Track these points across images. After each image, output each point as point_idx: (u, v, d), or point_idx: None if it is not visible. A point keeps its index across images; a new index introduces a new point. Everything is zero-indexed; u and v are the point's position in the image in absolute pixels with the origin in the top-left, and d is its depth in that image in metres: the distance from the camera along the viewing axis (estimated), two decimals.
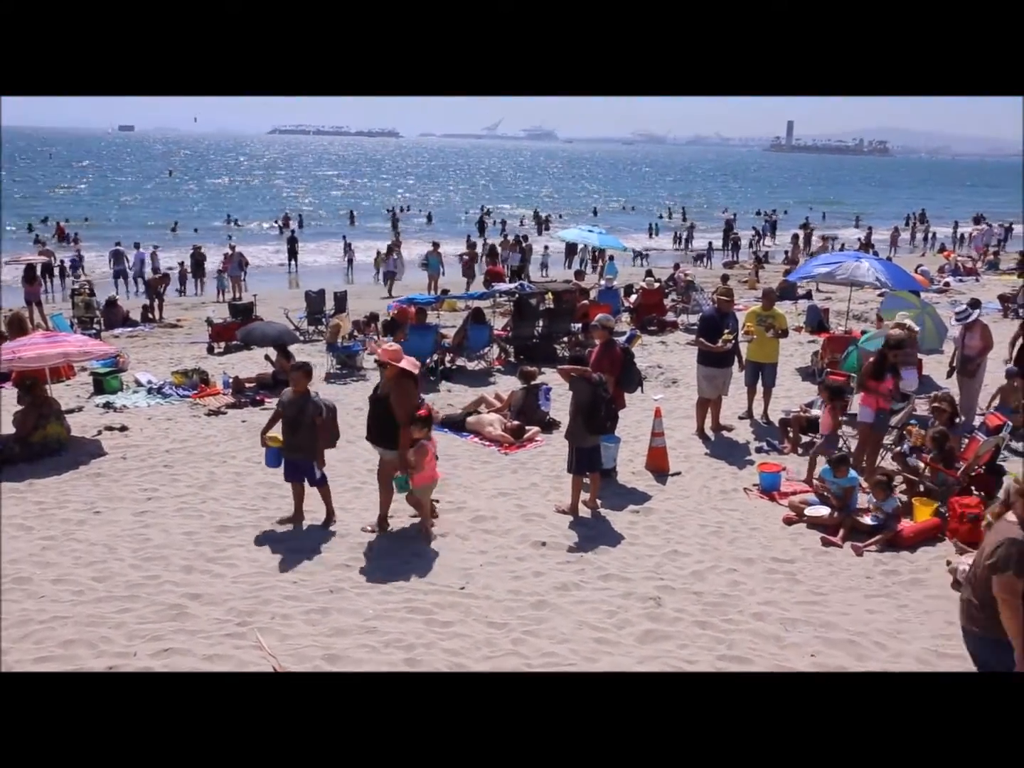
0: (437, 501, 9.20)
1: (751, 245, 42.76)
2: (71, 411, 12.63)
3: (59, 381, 14.44)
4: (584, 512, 9.23)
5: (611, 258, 28.89)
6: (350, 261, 36.00)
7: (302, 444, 8.71)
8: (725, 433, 11.90)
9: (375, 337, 17.20)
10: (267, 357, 15.24)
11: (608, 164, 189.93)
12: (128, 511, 9.23)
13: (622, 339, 12.86)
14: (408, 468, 8.29)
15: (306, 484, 8.89)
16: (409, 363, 8.53)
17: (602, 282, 22.75)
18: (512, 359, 16.34)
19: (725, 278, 22.02)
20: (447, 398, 13.86)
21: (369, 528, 8.74)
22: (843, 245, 39.38)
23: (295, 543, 8.45)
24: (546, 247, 35.82)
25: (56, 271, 29.11)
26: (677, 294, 22.95)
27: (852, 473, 9.19)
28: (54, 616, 7.04)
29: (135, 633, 6.78)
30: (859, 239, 42.68)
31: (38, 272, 24.80)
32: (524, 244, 33.52)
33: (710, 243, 40.97)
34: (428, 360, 15.25)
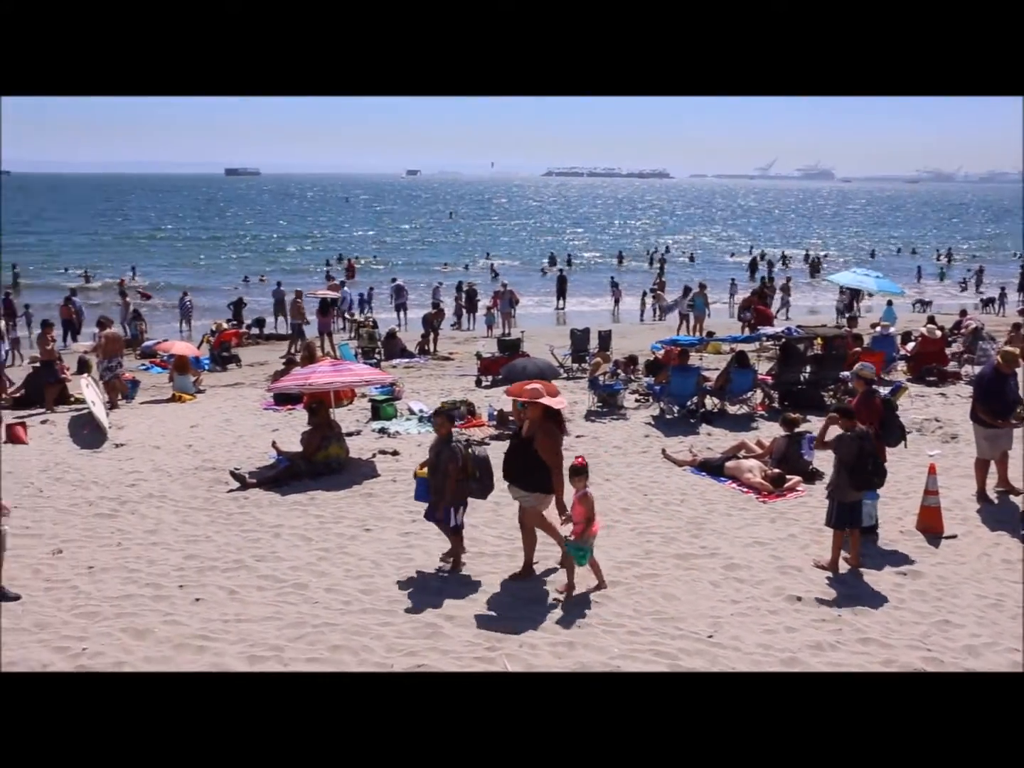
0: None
1: None
2: (351, 434, 13.60)
3: (342, 405, 15.63)
4: (844, 569, 8.76)
5: (889, 303, 27.42)
6: (616, 300, 36.47)
7: (437, 487, 8.68)
8: (1013, 497, 10.86)
9: (634, 377, 17.28)
10: None
11: (889, 204, 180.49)
12: (395, 531, 9.81)
13: (887, 390, 12.13)
14: (564, 514, 8.16)
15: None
16: (553, 399, 8.35)
17: (877, 328, 21.60)
18: (776, 405, 15.85)
19: (1017, 326, 20.20)
20: (706, 441, 13.66)
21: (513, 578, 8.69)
22: None
23: (550, 575, 8.63)
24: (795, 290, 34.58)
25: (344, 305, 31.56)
26: (962, 343, 21.36)
27: None
28: (325, 622, 7.61)
29: (393, 646, 7.18)
30: None
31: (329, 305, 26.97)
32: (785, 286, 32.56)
33: (1003, 288, 37.73)
34: (689, 402, 15.13)
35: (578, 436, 13.93)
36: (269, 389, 15.56)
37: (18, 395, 17.12)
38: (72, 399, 16.68)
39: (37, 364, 17.73)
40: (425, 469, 8.96)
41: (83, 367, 16.90)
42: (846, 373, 16.84)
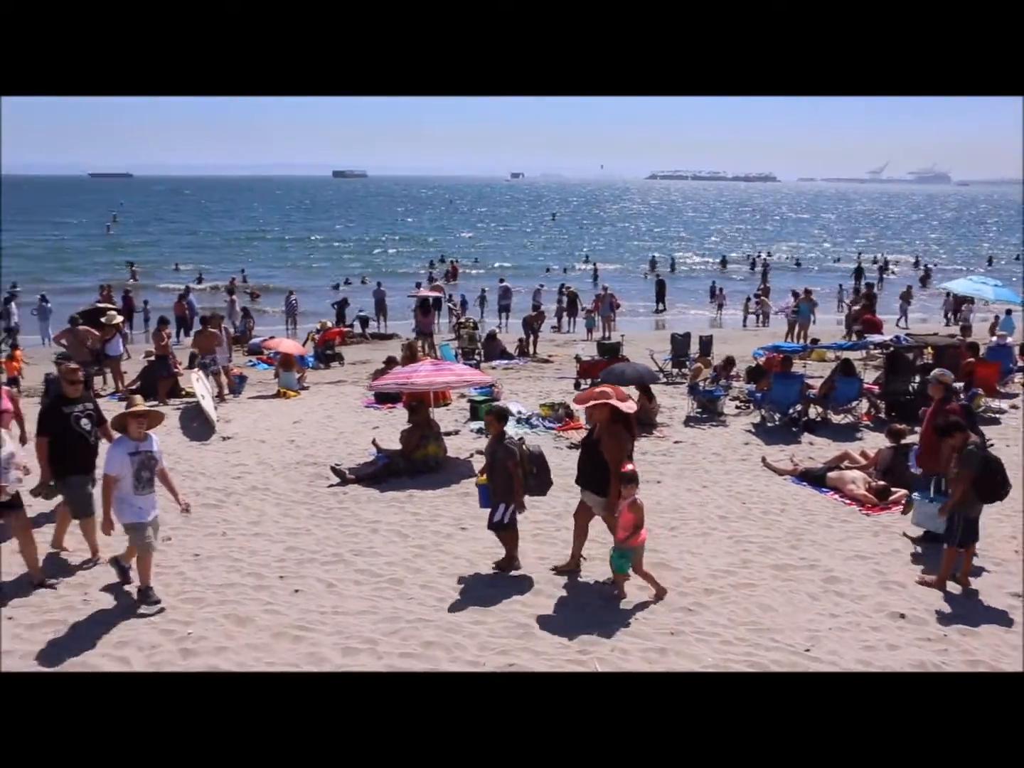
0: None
1: None
2: (449, 433, 13.74)
3: (441, 405, 15.81)
4: (953, 588, 8.44)
5: (1008, 312, 26.32)
6: (719, 305, 35.99)
7: (497, 488, 8.67)
8: None
9: (734, 383, 17.01)
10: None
11: (1010, 208, 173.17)
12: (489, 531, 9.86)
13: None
14: (614, 518, 8.10)
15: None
16: (624, 403, 8.26)
17: (993, 338, 20.77)
18: (882, 415, 15.39)
19: None
20: (808, 450, 13.36)
21: (556, 570, 8.71)
22: None
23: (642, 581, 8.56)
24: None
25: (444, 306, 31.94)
26: None
27: None
28: (419, 618, 7.70)
29: (486, 645, 7.23)
30: None
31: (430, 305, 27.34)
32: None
33: None
34: (791, 410, 14.82)
35: (676, 442, 13.79)
36: (370, 387, 15.86)
37: (134, 387, 17.86)
38: (183, 392, 17.31)
39: (152, 358, 18.48)
40: (484, 476, 8.94)
41: (194, 361, 17.55)
42: (959, 384, 16.29)
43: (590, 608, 7.93)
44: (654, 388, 15.69)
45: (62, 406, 8.85)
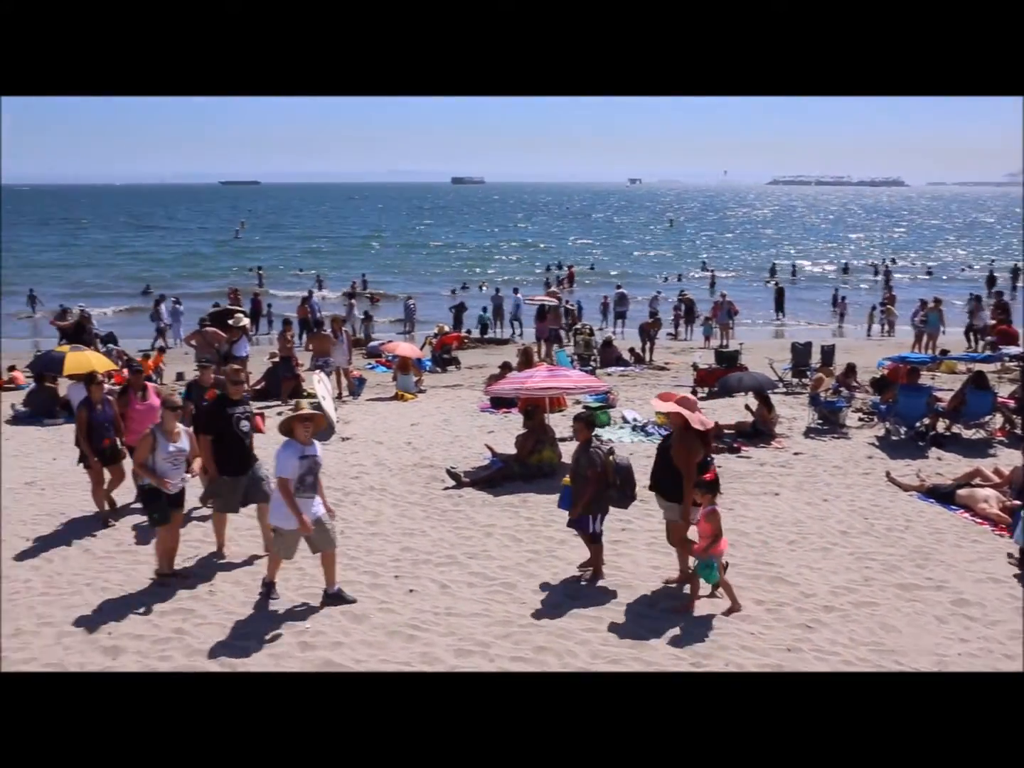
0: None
1: None
2: (564, 439, 13.73)
3: (556, 411, 15.82)
4: None
5: None
6: (841, 315, 34.97)
7: (578, 493, 8.58)
8: None
9: (857, 394, 16.49)
10: (747, 406, 15.30)
11: None
12: (606, 538, 9.79)
13: None
14: (688, 525, 8.04)
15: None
16: (697, 419, 8.07)
17: None
18: (1018, 431, 14.66)
19: None
20: (936, 466, 12.82)
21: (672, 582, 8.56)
22: None
23: (759, 595, 8.38)
24: None
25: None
26: None
27: None
28: (531, 623, 7.72)
29: (598, 653, 7.19)
30: None
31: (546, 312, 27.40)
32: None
33: None
34: (918, 424, 14.27)
35: (796, 453, 13.44)
36: (486, 391, 15.99)
37: (259, 387, 18.51)
38: (305, 393, 17.81)
39: (276, 359, 19.09)
40: (568, 477, 8.94)
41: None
42: None
43: (705, 620, 7.79)
44: (773, 398, 15.36)
45: (225, 407, 9.12)
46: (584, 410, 9.74)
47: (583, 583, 8.64)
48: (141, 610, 8.11)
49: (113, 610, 8.16)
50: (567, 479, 8.97)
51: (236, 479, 9.10)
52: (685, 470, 8.05)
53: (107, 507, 10.73)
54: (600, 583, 8.59)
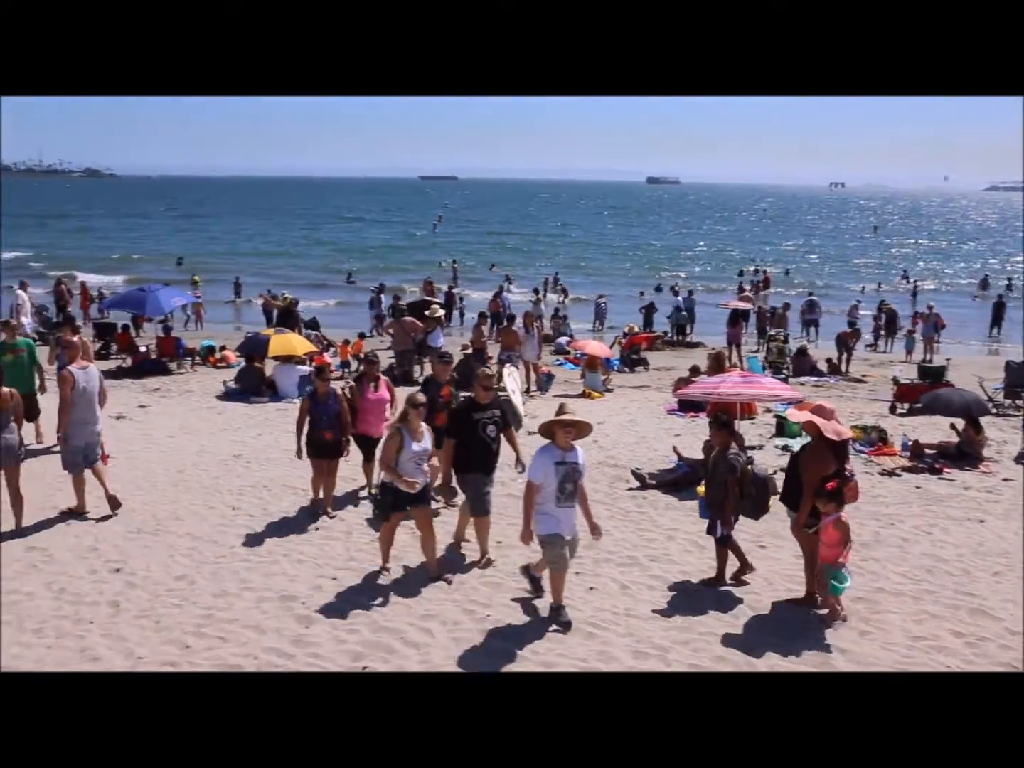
0: None
1: None
2: (752, 448, 13.43)
3: (746, 418, 15.47)
4: None
5: None
6: None
7: (713, 499, 8.50)
8: None
9: None
10: (952, 426, 14.45)
11: None
12: (791, 551, 9.49)
13: None
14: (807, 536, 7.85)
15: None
16: (831, 429, 7.75)
17: None
18: None
19: None
20: None
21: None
22: None
23: (957, 626, 7.93)
24: None
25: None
26: None
27: None
28: (711, 631, 7.64)
29: (776, 666, 7.03)
30: None
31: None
32: None
33: None
34: None
35: (1005, 479, 12.57)
36: (676, 394, 15.82)
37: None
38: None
39: (468, 351, 19.59)
40: (701, 486, 8.85)
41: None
42: None
43: (898, 646, 7.43)
44: (982, 419, 14.43)
45: (473, 411, 9.03)
46: (722, 415, 9.60)
47: (783, 600, 8.37)
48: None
49: (306, 581, 8.66)
50: (701, 488, 8.96)
51: (485, 477, 9.07)
52: (807, 479, 7.90)
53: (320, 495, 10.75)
54: (787, 598, 8.34)
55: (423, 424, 8.61)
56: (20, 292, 24.74)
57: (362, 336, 23.57)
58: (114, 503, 10.41)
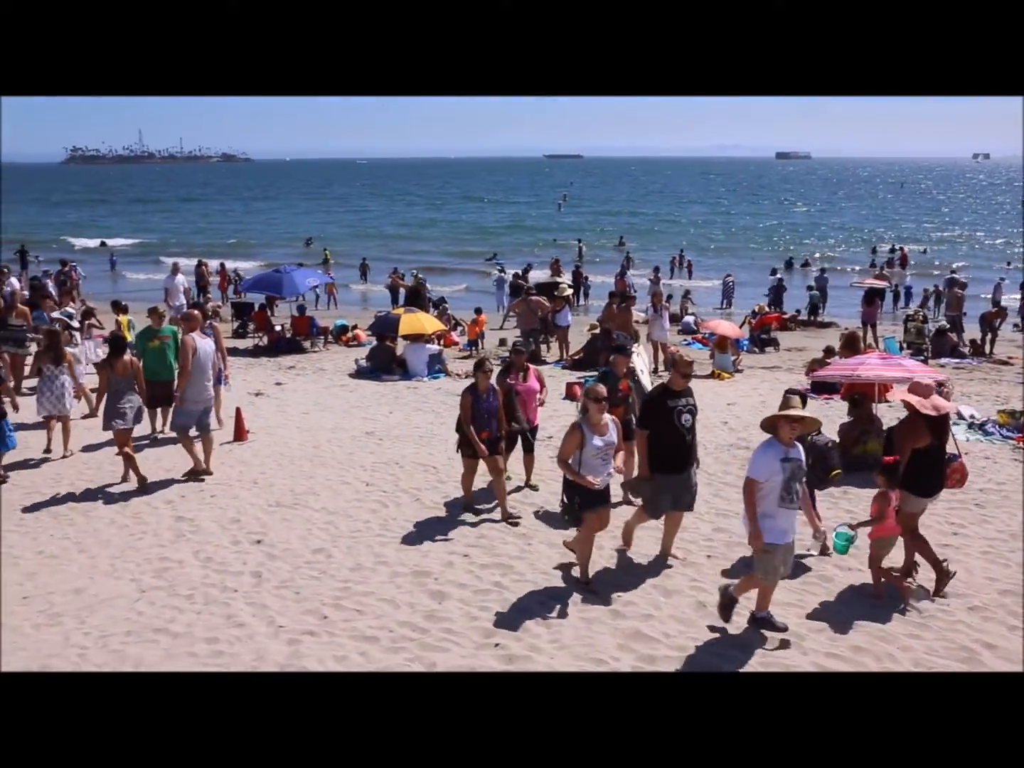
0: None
1: None
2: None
3: (883, 401, 14.92)
4: None
5: None
6: None
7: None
8: None
9: None
10: None
11: None
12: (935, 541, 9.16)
13: None
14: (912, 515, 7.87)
15: None
16: (928, 405, 7.64)
17: None
18: None
19: None
20: None
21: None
22: None
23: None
24: None
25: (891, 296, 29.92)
26: None
27: None
28: (846, 621, 7.47)
29: (920, 662, 6.83)
30: None
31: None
32: None
33: None
34: None
35: None
36: (811, 376, 15.38)
37: (577, 357, 19.11)
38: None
39: (596, 331, 19.57)
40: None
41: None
42: None
43: None
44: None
45: (667, 399, 8.34)
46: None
47: (918, 586, 8.05)
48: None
49: (439, 557, 8.84)
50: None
51: (667, 477, 8.34)
52: (898, 449, 7.84)
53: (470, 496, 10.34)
54: (928, 587, 8.05)
55: (607, 416, 8.02)
56: (174, 277, 24.80)
57: (478, 311, 23.50)
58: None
